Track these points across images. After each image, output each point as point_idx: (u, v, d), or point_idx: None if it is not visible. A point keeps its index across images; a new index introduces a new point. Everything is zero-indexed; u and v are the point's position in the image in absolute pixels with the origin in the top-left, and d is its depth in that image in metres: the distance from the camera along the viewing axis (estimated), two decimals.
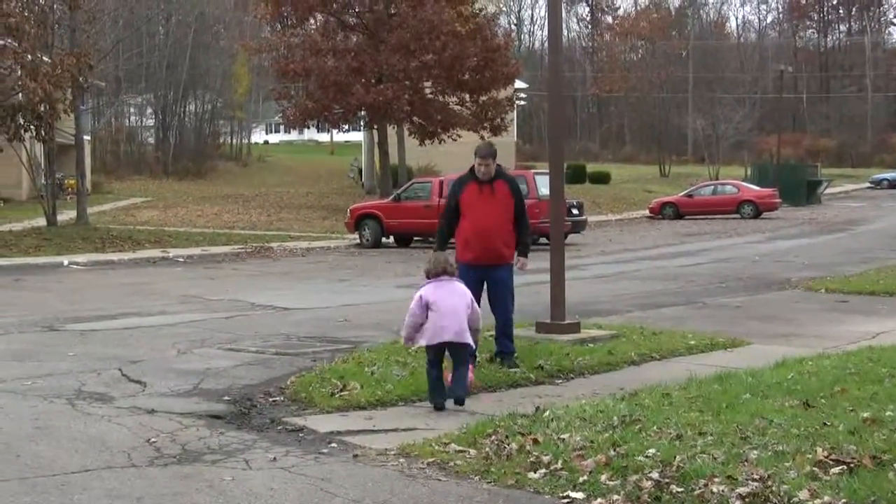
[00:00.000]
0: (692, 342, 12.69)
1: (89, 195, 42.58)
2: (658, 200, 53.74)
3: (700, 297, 19.07)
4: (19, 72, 31.41)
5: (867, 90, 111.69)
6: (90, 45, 39.51)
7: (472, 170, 11.22)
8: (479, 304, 10.46)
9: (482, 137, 49.67)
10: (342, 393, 9.62)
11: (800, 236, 37.91)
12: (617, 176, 75.09)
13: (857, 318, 15.54)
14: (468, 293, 9.66)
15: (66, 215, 37.34)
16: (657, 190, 65.16)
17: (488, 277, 11.13)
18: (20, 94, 31.43)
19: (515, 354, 11.17)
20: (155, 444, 8.02)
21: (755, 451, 6.89)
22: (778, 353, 11.44)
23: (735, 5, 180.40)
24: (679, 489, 6.32)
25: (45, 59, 32.39)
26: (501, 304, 11.20)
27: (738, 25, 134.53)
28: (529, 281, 20.70)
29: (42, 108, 31.52)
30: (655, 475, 6.53)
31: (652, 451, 6.98)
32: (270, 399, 9.80)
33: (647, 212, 52.65)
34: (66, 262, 26.92)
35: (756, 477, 6.30)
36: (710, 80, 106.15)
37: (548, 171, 14.34)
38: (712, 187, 55.80)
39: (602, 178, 71.90)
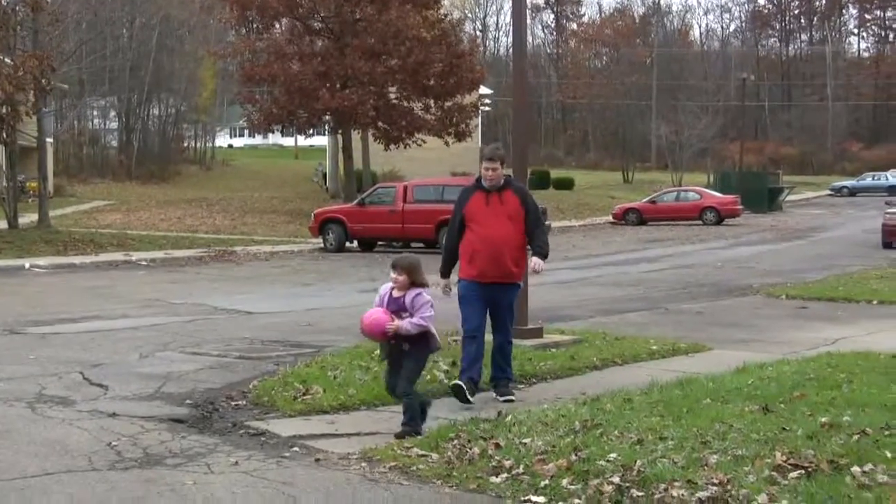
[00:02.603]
0: (654, 347, 12.77)
1: (51, 198, 42.35)
2: (621, 206, 53.91)
3: (662, 302, 19.17)
4: None
5: (828, 99, 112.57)
6: (53, 48, 39.30)
7: (478, 179, 10.24)
8: (482, 326, 9.99)
9: (447, 143, 49.87)
10: (305, 397, 9.63)
11: (761, 242, 38.14)
12: (581, 182, 75.37)
13: (816, 325, 15.67)
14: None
15: (28, 218, 37.08)
16: (621, 196, 65.39)
17: (493, 297, 10.00)
18: None
19: (512, 382, 10.32)
20: (116, 448, 7.99)
21: (715, 456, 6.94)
22: (739, 359, 11.51)
23: (699, 14, 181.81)
24: (640, 493, 6.36)
25: (6, 60, 32.17)
26: (503, 325, 10.21)
27: (701, 34, 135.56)
28: None
29: (3, 110, 31.35)
30: (616, 479, 6.56)
31: (613, 455, 7.01)
32: (233, 403, 9.78)
33: (610, 217, 52.81)
34: (27, 265, 26.74)
35: (716, 481, 6.35)
36: (674, 88, 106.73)
37: (511, 176, 14.39)
38: (675, 194, 56.02)
39: (566, 184, 72.09)
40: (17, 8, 35.95)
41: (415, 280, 8.65)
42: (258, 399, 9.83)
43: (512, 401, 9.76)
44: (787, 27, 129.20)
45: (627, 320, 16.23)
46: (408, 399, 8.55)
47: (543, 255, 10.15)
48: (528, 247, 10.28)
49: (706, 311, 17.81)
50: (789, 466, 6.61)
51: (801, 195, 74.81)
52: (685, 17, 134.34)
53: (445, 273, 10.19)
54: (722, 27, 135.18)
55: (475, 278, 9.93)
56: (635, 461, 6.82)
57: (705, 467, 6.69)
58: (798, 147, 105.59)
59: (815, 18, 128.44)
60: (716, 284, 22.74)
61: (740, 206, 52.56)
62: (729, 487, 6.25)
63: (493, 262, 9.88)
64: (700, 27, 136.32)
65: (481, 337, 9.92)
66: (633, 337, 13.62)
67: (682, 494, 6.23)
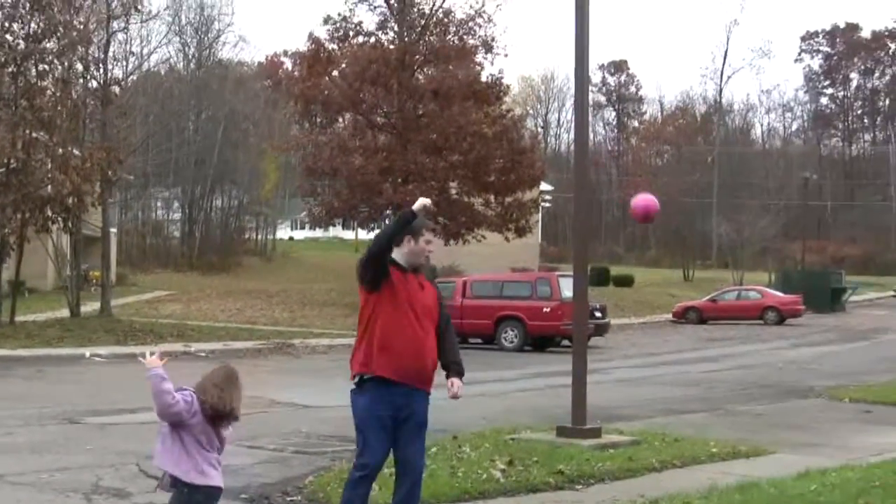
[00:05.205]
0: (714, 450, 12.55)
1: (114, 287, 42.81)
2: (682, 305, 53.64)
3: (723, 403, 18.93)
4: (49, 164, 31.80)
5: (892, 199, 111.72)
6: (120, 140, 40.05)
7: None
8: (383, 449, 7.53)
9: (507, 239, 49.99)
10: None
11: (824, 343, 37.69)
12: (641, 279, 75.04)
13: (881, 429, 15.38)
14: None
15: (90, 307, 37.47)
16: (681, 294, 65.03)
17: (406, 409, 7.43)
18: (49, 187, 31.79)
19: None
20: None
21: None
22: (801, 464, 11.31)
23: (760, 113, 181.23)
24: None
25: (75, 152, 32.80)
26: (421, 452, 7.67)
27: (763, 132, 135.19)
28: (551, 384, 20.66)
29: (70, 201, 31.84)
30: None
31: None
32: (288, 498, 9.72)
33: (670, 316, 52.52)
34: (87, 354, 26.96)
35: None
36: (736, 186, 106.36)
37: (571, 273, 14.37)
38: (736, 292, 55.68)
39: (626, 281, 71.84)
40: (87, 101, 36.78)
41: None
42: (313, 495, 9.75)
43: None
44: (850, 127, 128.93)
45: (687, 421, 16.01)
46: None
47: (461, 375, 7.81)
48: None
49: (767, 413, 17.55)
50: None
51: (864, 296, 74.01)
52: (747, 115, 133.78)
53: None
54: (784, 126, 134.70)
55: (390, 376, 7.53)
56: None
57: None
58: (861, 247, 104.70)
59: (879, 118, 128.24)
60: (777, 386, 22.45)
61: (802, 306, 52.05)
62: None
63: (417, 360, 7.53)
64: (762, 126, 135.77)
65: None
66: (692, 438, 13.41)
67: None
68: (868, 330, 45.85)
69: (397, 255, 7.49)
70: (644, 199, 8.81)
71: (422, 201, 7.28)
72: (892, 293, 78.17)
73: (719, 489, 9.65)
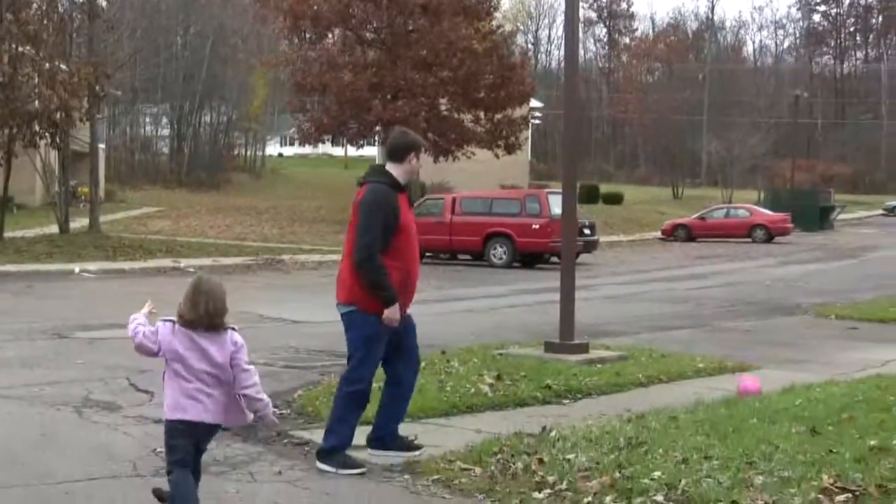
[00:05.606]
0: (700, 365, 12.64)
1: (102, 203, 42.68)
2: (670, 222, 53.73)
3: (710, 320, 19.02)
4: (36, 79, 31.54)
5: (882, 118, 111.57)
6: (108, 55, 39.70)
7: (388, 176, 8.00)
8: (378, 364, 8.21)
9: (496, 156, 49.88)
10: None
11: (811, 261, 37.82)
12: (630, 197, 75.07)
13: (866, 346, 15.46)
14: None
15: (79, 223, 37.37)
16: (670, 212, 65.11)
17: (405, 327, 8.10)
18: (37, 102, 31.55)
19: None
20: (160, 454, 7.99)
21: (761, 477, 6.86)
22: (786, 379, 11.39)
23: (752, 30, 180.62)
24: None
25: (62, 66, 32.50)
26: (416, 342, 8.30)
27: (755, 49, 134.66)
28: (540, 300, 20.72)
29: (58, 116, 31.60)
30: (660, 498, 6.52)
31: (657, 473, 6.96)
32: (278, 412, 9.77)
33: (659, 233, 52.64)
34: (77, 270, 26.96)
35: (761, 502, 6.28)
36: (726, 104, 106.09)
37: (561, 190, 14.36)
38: (725, 210, 55.79)
39: (615, 199, 71.89)
40: (74, 15, 36.40)
41: None
42: (302, 409, 9.83)
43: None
44: (842, 44, 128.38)
45: (674, 337, 16.11)
46: None
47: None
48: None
49: (754, 329, 17.65)
50: (836, 490, 6.52)
51: (853, 214, 74.22)
52: (739, 32, 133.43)
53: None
54: (776, 43, 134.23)
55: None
56: (680, 480, 6.76)
57: (750, 488, 6.62)
58: (851, 165, 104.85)
59: (871, 36, 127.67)
60: (764, 303, 22.54)
61: (791, 224, 52.21)
62: None
63: (415, 286, 8.25)
64: (753, 43, 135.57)
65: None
66: (679, 354, 13.49)
67: None
68: (856, 248, 46.01)
69: (399, 172, 8.00)
70: (748, 386, 10.24)
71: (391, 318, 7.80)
72: (881, 212, 78.42)
73: (705, 403, 9.73)
